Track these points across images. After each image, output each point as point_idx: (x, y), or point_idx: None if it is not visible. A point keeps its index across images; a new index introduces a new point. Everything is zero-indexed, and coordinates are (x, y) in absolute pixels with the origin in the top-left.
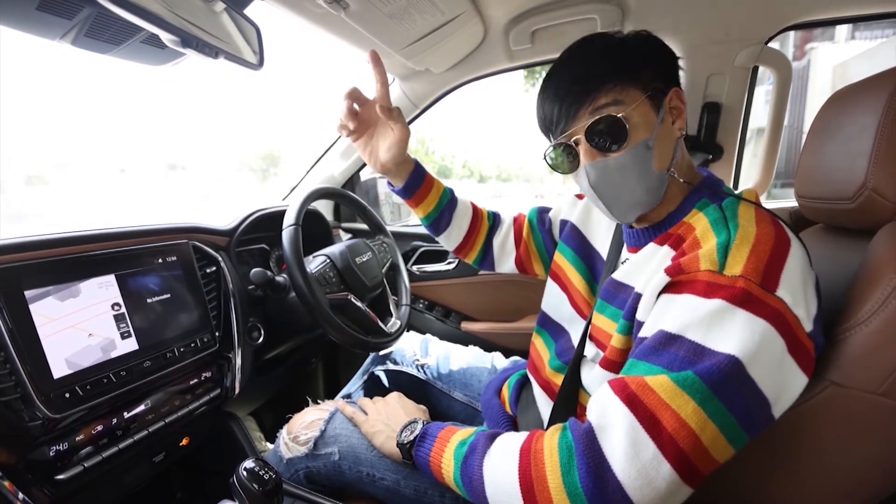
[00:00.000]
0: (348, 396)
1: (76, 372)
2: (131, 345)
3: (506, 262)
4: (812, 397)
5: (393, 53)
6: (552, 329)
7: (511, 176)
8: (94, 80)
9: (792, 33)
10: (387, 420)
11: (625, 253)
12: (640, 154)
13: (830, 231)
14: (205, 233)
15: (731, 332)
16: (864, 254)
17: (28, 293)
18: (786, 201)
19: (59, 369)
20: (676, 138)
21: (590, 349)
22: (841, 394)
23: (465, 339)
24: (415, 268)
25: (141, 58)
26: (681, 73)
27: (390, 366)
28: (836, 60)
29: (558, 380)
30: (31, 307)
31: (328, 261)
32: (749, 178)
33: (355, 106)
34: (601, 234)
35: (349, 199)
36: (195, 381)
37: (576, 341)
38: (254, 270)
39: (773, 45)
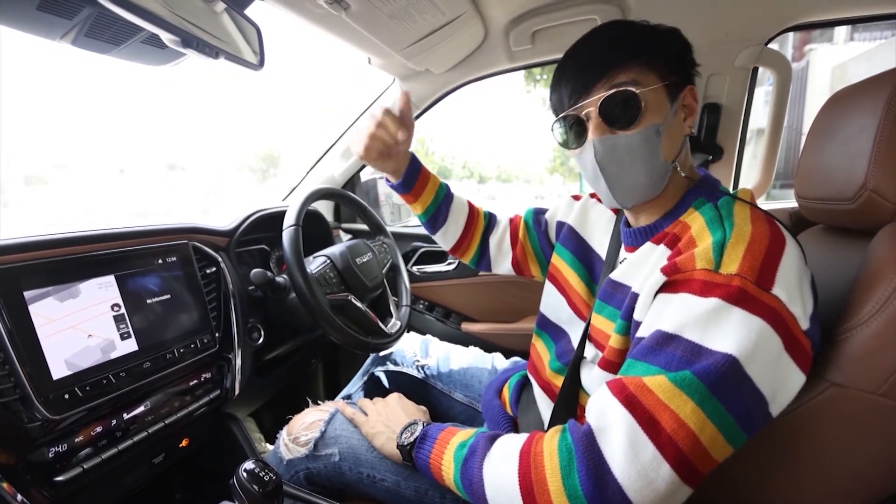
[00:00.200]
0: (348, 397)
1: (75, 373)
2: (131, 346)
3: (502, 264)
4: (812, 398)
5: (393, 54)
6: (552, 331)
7: (511, 177)
8: (94, 81)
9: (791, 35)
10: (387, 421)
11: (623, 253)
12: (650, 137)
13: (830, 232)
14: (204, 233)
15: (728, 331)
16: (864, 254)
17: (27, 294)
18: (785, 202)
19: (58, 370)
20: (685, 135)
21: (589, 350)
22: (841, 394)
23: (466, 340)
24: (415, 268)
25: (141, 58)
26: None
27: (390, 366)
28: (835, 62)
29: (559, 381)
30: (31, 308)
31: (328, 261)
32: (749, 178)
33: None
34: (599, 235)
35: (349, 199)
36: (195, 382)
37: (575, 343)
38: (254, 271)
39: (773, 46)
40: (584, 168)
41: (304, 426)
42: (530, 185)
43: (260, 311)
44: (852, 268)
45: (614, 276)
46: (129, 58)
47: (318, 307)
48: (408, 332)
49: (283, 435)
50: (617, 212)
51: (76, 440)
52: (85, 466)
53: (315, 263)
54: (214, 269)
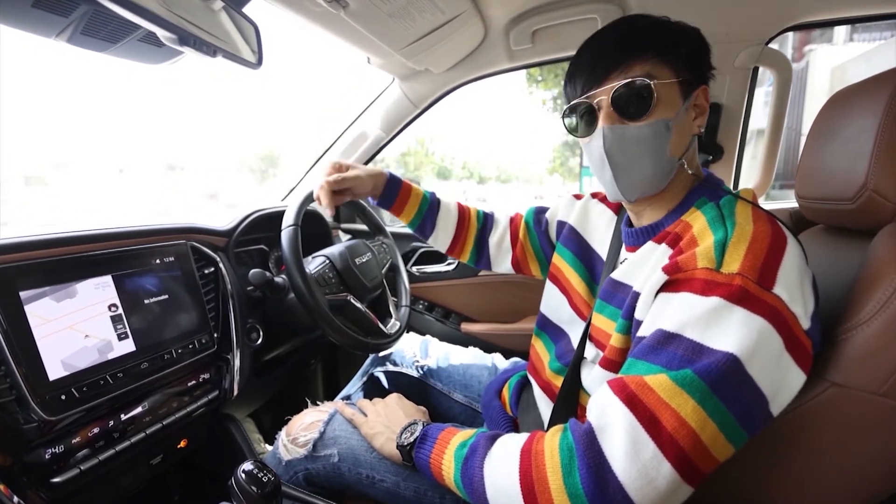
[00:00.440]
0: (348, 398)
1: (72, 374)
2: (128, 346)
3: (502, 263)
4: (813, 398)
5: (393, 53)
6: (552, 331)
7: (511, 177)
8: (93, 81)
9: (790, 35)
10: (386, 422)
11: (623, 252)
12: (659, 131)
13: (831, 232)
14: (203, 233)
15: (729, 330)
16: (864, 254)
17: (23, 294)
18: (785, 202)
19: (54, 371)
20: (693, 134)
21: (589, 350)
22: (842, 395)
23: (465, 341)
24: (414, 269)
25: (138, 56)
26: None
27: (390, 367)
28: (835, 62)
29: (559, 381)
30: (27, 308)
31: (327, 261)
32: (749, 179)
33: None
34: (599, 235)
35: (349, 199)
36: (193, 382)
37: (575, 343)
38: (252, 271)
39: (772, 46)
40: (590, 156)
41: (303, 427)
42: (530, 186)
43: (259, 312)
44: (852, 268)
45: (615, 275)
46: (126, 56)
47: (317, 307)
48: (407, 332)
49: (282, 436)
50: (618, 211)
51: (73, 441)
52: (82, 468)
53: (314, 264)
54: (213, 269)
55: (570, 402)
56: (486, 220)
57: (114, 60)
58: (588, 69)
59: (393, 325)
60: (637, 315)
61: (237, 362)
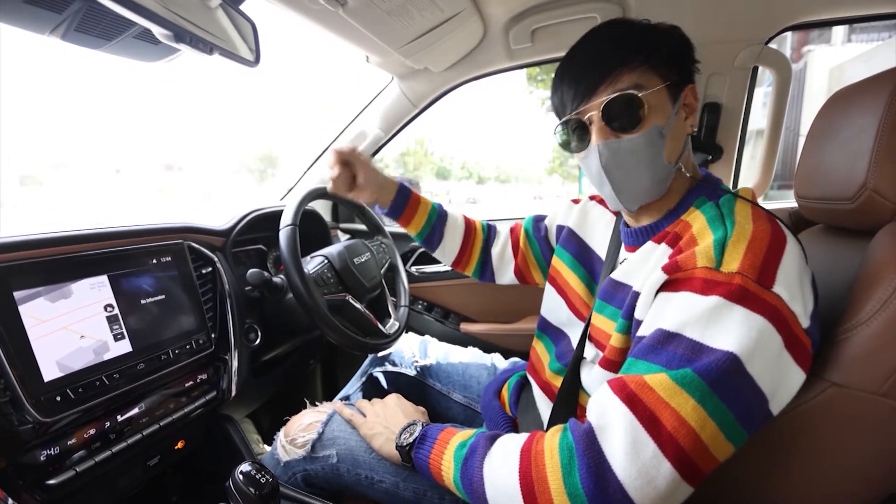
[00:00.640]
0: (346, 398)
1: (68, 374)
2: (125, 347)
3: (505, 274)
4: (813, 398)
5: (391, 51)
6: (552, 333)
7: (510, 177)
8: (91, 80)
9: (788, 36)
10: (385, 422)
11: (623, 252)
12: (654, 140)
13: (830, 231)
14: (200, 233)
15: (729, 329)
16: (864, 254)
17: (17, 294)
18: (784, 202)
19: (49, 372)
20: (687, 134)
21: (589, 350)
22: (842, 394)
23: (465, 341)
24: (413, 269)
25: (134, 54)
26: None
27: (389, 367)
28: (833, 63)
29: (558, 382)
30: (21, 308)
31: (326, 261)
32: (748, 179)
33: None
34: (599, 236)
35: (347, 199)
36: (191, 383)
37: (575, 343)
38: (250, 271)
39: (771, 46)
40: (588, 172)
41: (302, 427)
42: (529, 186)
43: (257, 312)
44: (852, 268)
45: (615, 275)
46: (121, 53)
47: (316, 308)
48: (406, 332)
49: (281, 436)
50: (617, 213)
51: (69, 443)
52: (78, 469)
53: (312, 263)
54: (210, 269)
55: (569, 401)
56: (490, 232)
57: (110, 58)
58: (575, 83)
59: (392, 325)
60: (637, 315)
61: (235, 363)
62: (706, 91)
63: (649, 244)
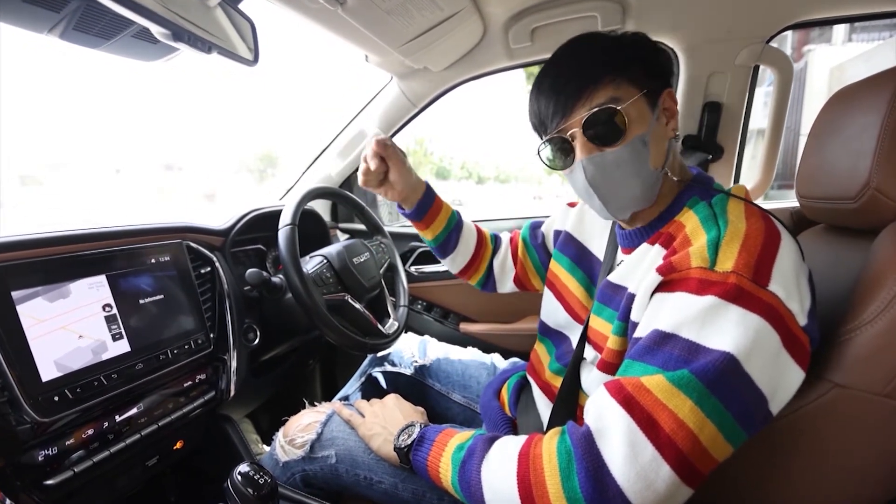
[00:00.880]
0: (346, 398)
1: (66, 374)
2: (123, 346)
3: (506, 283)
4: (815, 399)
5: (391, 51)
6: (553, 336)
7: (510, 177)
8: (90, 80)
9: (789, 35)
10: (384, 423)
11: (620, 255)
12: (637, 149)
13: (832, 231)
14: (199, 232)
15: (725, 329)
16: (866, 254)
17: (15, 294)
18: (784, 202)
19: (47, 372)
20: (669, 139)
21: (588, 352)
22: (844, 395)
23: (464, 341)
24: (413, 268)
25: (133, 53)
26: (681, 71)
27: (388, 367)
28: (834, 62)
29: (558, 382)
30: (19, 308)
31: (325, 261)
32: (749, 178)
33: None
34: (597, 239)
35: (346, 198)
36: (189, 383)
37: (575, 345)
38: (249, 271)
39: (772, 45)
40: (575, 187)
41: (301, 428)
42: (529, 186)
43: (256, 312)
44: (854, 267)
45: (612, 277)
46: (120, 53)
47: (315, 308)
48: (406, 332)
49: (280, 437)
50: None
51: (67, 443)
52: (76, 469)
53: (311, 263)
54: (209, 268)
55: (569, 403)
56: (496, 243)
57: (109, 58)
58: (552, 101)
59: (391, 325)
60: (633, 317)
61: (234, 363)
62: (707, 90)
63: (644, 245)
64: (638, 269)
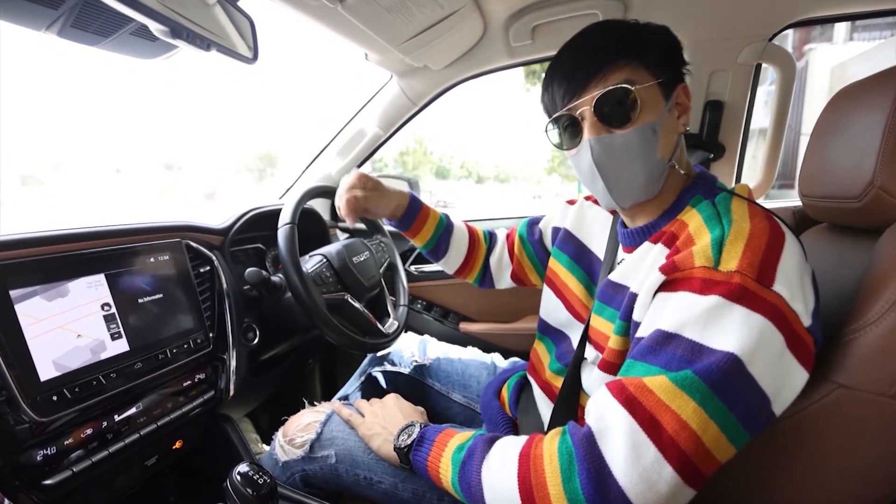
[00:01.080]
0: (345, 398)
1: (64, 374)
2: (122, 346)
3: (503, 279)
4: (819, 399)
5: (391, 49)
6: (553, 335)
7: (509, 176)
8: (91, 80)
9: (790, 34)
10: (384, 422)
11: (621, 253)
12: (646, 136)
13: (835, 230)
14: (198, 231)
15: (729, 329)
16: (869, 253)
17: (13, 293)
18: (785, 201)
19: (46, 371)
20: (679, 133)
21: (589, 352)
22: (849, 396)
23: (464, 340)
24: (413, 268)
25: (131, 50)
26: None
27: (388, 367)
28: (835, 61)
29: (558, 382)
30: (17, 307)
31: (325, 260)
32: (750, 177)
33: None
34: (597, 237)
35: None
36: (189, 382)
37: (575, 344)
38: (248, 270)
39: (774, 43)
40: (579, 169)
41: (300, 427)
42: (528, 186)
43: (255, 311)
44: (857, 267)
45: (613, 277)
46: (118, 50)
47: (315, 307)
48: (405, 332)
49: (279, 436)
50: (613, 211)
51: (66, 442)
52: (75, 469)
53: (311, 262)
54: (208, 267)
55: (570, 403)
56: (491, 240)
57: (110, 57)
58: (566, 80)
59: (391, 324)
60: (635, 316)
61: (233, 362)
62: (708, 88)
63: (646, 244)
64: (640, 268)
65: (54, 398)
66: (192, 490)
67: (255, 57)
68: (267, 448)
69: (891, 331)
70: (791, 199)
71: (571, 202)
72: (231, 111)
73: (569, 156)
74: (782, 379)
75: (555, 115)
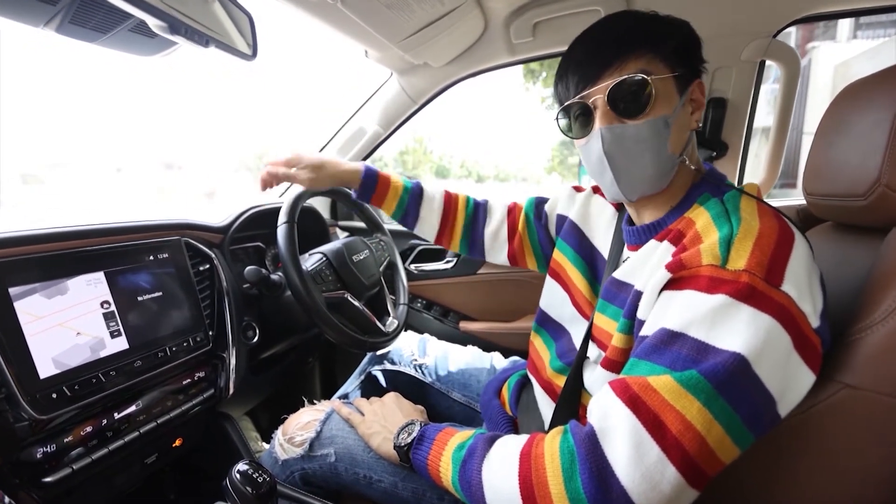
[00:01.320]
0: (345, 397)
1: (63, 372)
2: (121, 344)
3: (498, 255)
4: (824, 399)
5: (391, 46)
6: (552, 328)
7: (509, 176)
8: (91, 79)
9: (793, 32)
10: (384, 421)
11: (625, 252)
12: (659, 129)
13: (839, 229)
14: (198, 229)
15: (736, 329)
16: (875, 252)
17: (13, 290)
18: (787, 199)
19: (45, 369)
20: (692, 129)
21: (592, 350)
22: (854, 396)
23: (464, 339)
24: (413, 266)
25: (130, 47)
26: None
27: (388, 366)
28: (838, 60)
29: (560, 381)
30: (16, 305)
31: (324, 259)
32: (754, 176)
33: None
34: (601, 233)
35: (346, 195)
36: (188, 380)
37: (577, 341)
38: (248, 268)
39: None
40: (588, 159)
41: (300, 426)
42: (528, 185)
43: (255, 309)
44: (862, 266)
45: (617, 274)
46: (117, 47)
47: (314, 305)
48: (405, 330)
49: (279, 435)
50: (619, 208)
51: (66, 440)
52: (74, 467)
53: (311, 261)
54: (208, 266)
55: (571, 402)
56: (478, 209)
57: (111, 57)
58: (581, 68)
59: (391, 323)
60: (639, 314)
61: (233, 360)
62: (711, 86)
63: (652, 242)
64: (645, 266)
65: (54, 396)
66: (191, 488)
67: (255, 54)
68: (266, 446)
69: None
70: (792, 199)
71: (579, 189)
72: (231, 110)
73: (578, 145)
74: (789, 380)
75: (567, 103)
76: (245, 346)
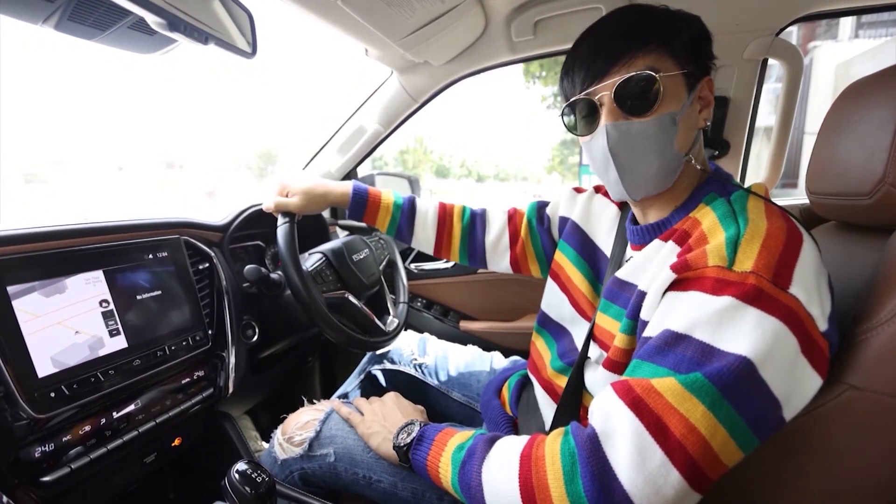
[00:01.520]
0: (345, 396)
1: (62, 371)
2: (120, 343)
3: (499, 262)
4: (829, 401)
5: (391, 44)
6: (553, 329)
7: (509, 175)
8: (93, 78)
9: (794, 31)
10: (383, 421)
11: (629, 251)
12: (665, 126)
13: (843, 228)
14: (197, 228)
15: (742, 332)
16: (879, 252)
17: (11, 289)
18: (789, 199)
19: (43, 368)
20: (699, 128)
21: (593, 350)
22: (859, 397)
23: (464, 339)
24: (413, 266)
25: (129, 45)
26: None
27: (388, 365)
28: (839, 59)
29: (560, 381)
30: (14, 303)
31: (324, 258)
32: (755, 176)
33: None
34: (604, 233)
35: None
36: (187, 380)
37: (578, 342)
38: (247, 267)
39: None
40: (592, 156)
41: (299, 426)
42: (528, 184)
43: (255, 309)
44: (866, 266)
45: (620, 274)
46: (116, 44)
47: (314, 305)
48: (405, 330)
49: (278, 434)
50: (622, 208)
51: (64, 439)
52: (73, 466)
53: (311, 260)
54: (207, 264)
55: (573, 403)
56: (475, 219)
57: (112, 55)
58: (588, 63)
59: (391, 322)
60: (643, 315)
61: (232, 359)
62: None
63: (656, 242)
64: (649, 266)
65: (52, 395)
66: (190, 487)
67: (254, 51)
68: (266, 446)
69: None
70: (793, 198)
71: (579, 190)
72: (231, 110)
73: (583, 142)
74: (795, 384)
75: (572, 99)
76: (244, 346)
